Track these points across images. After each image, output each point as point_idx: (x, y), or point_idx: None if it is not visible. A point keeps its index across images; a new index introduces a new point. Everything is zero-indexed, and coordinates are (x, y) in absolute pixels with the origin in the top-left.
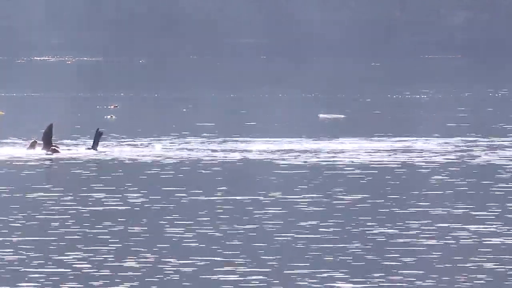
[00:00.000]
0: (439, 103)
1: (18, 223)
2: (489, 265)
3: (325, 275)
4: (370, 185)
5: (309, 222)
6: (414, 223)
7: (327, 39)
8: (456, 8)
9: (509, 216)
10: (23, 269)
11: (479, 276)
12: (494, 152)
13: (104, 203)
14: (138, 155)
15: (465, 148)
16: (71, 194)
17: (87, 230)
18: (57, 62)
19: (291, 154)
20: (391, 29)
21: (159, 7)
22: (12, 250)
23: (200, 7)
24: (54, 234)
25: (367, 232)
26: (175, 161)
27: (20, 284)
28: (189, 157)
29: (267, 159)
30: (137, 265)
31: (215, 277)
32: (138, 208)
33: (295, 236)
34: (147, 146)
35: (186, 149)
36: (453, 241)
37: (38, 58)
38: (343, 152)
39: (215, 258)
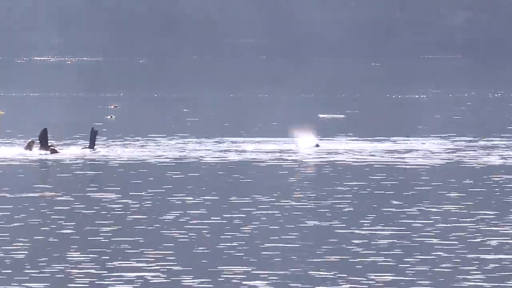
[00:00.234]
0: (439, 103)
1: (16, 223)
2: (489, 265)
3: (325, 275)
4: (370, 185)
5: (309, 222)
6: (414, 223)
7: (327, 39)
8: (456, 8)
9: (509, 216)
10: (23, 270)
11: (479, 276)
12: (494, 152)
13: (104, 203)
14: (138, 155)
15: (464, 148)
16: (70, 193)
17: (87, 230)
18: (57, 62)
19: (291, 154)
20: (391, 29)
21: (159, 7)
22: (8, 248)
23: (200, 7)
24: (52, 234)
25: (367, 232)
26: (175, 161)
27: (20, 284)
28: (189, 157)
29: (267, 159)
30: (137, 265)
31: (215, 277)
32: (137, 208)
33: (295, 236)
34: (146, 146)
35: (186, 149)
36: (453, 241)
37: (38, 58)
38: (343, 152)
39: (215, 258)
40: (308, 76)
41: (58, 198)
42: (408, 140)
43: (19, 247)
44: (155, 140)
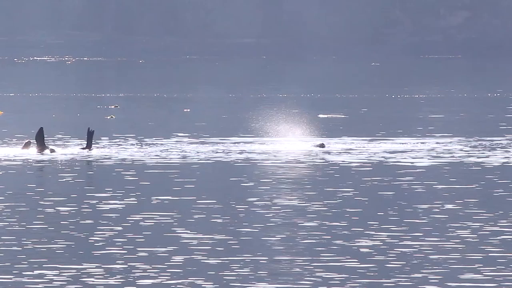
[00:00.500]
0: (438, 103)
1: (14, 222)
2: (489, 265)
3: (325, 275)
4: (370, 185)
5: (309, 223)
6: (414, 222)
7: (327, 39)
8: (456, 8)
9: (509, 216)
10: (22, 270)
11: (479, 276)
12: (494, 152)
13: (104, 203)
14: (138, 155)
15: (464, 148)
16: (68, 194)
17: (87, 230)
18: (57, 62)
19: (290, 154)
20: (391, 29)
21: (159, 7)
22: (6, 249)
23: (200, 7)
24: (50, 235)
25: (366, 232)
26: (174, 161)
27: (20, 284)
28: (188, 157)
29: (267, 159)
30: (136, 265)
31: (214, 277)
32: (136, 208)
33: (295, 236)
34: (146, 146)
35: (186, 149)
36: (453, 241)
37: (38, 58)
38: (343, 152)
39: (215, 258)
40: (308, 76)
41: (58, 198)
42: (408, 140)
43: (16, 247)
44: (155, 140)
